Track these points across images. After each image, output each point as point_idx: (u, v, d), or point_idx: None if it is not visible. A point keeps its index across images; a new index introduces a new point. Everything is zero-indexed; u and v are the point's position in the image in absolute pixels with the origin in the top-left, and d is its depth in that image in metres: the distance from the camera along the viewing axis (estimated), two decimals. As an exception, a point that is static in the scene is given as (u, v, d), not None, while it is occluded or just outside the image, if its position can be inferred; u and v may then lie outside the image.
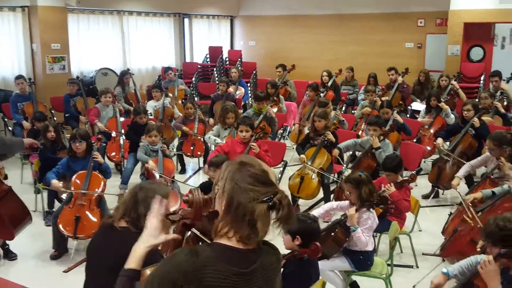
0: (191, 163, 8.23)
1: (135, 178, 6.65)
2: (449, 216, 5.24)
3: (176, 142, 8.41)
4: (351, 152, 7.01)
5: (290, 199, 1.89)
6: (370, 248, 4.00)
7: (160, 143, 6.20)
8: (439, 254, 4.78)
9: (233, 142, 5.85)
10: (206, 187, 4.99)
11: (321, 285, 3.36)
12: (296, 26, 13.57)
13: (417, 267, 4.92)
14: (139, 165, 6.69)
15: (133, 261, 1.89)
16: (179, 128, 7.94)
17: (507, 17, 10.35)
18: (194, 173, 8.04)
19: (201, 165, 8.15)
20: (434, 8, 11.54)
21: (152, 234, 1.91)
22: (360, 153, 6.49)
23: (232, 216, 1.76)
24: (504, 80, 8.64)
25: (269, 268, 1.83)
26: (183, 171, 7.94)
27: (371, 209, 3.99)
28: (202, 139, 7.77)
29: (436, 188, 6.68)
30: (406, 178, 4.89)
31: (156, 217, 1.93)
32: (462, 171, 5.47)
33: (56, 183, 5.07)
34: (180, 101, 10.33)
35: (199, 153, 7.81)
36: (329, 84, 9.64)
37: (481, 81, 10.51)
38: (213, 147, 7.51)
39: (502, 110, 7.72)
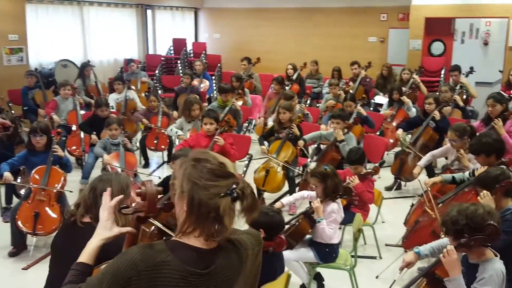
0: (155, 157, 8.12)
1: (97, 173, 6.50)
2: (411, 207, 5.32)
3: (139, 135, 8.28)
4: (316, 145, 7.04)
5: (256, 192, 1.87)
6: (336, 241, 4.02)
7: (122, 137, 6.08)
8: (401, 245, 4.85)
9: (197, 135, 5.78)
10: (168, 182, 4.91)
11: (286, 278, 3.36)
12: (261, 19, 13.54)
13: (381, 258, 4.99)
14: (100, 159, 6.54)
15: (85, 255, 1.85)
16: (139, 120, 7.81)
17: (467, 12, 10.60)
18: (158, 167, 7.93)
19: (165, 158, 8.06)
20: (396, 3, 11.71)
21: (104, 227, 1.87)
22: (324, 146, 6.53)
23: (196, 215, 1.69)
24: (463, 74, 8.82)
25: (228, 268, 1.77)
26: (146, 165, 7.83)
27: (336, 201, 4.01)
28: (165, 133, 7.67)
29: (398, 180, 6.79)
30: (370, 170, 4.94)
31: (107, 210, 1.90)
32: (423, 160, 5.57)
33: (8, 175, 4.92)
34: (143, 94, 10.19)
35: (162, 146, 7.73)
36: (294, 77, 9.66)
37: (442, 75, 10.72)
38: (177, 141, 7.44)
39: (461, 104, 7.88)
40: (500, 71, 10.53)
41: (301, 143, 6.10)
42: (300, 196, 4.55)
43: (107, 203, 1.92)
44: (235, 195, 1.69)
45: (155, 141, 7.61)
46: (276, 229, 3.39)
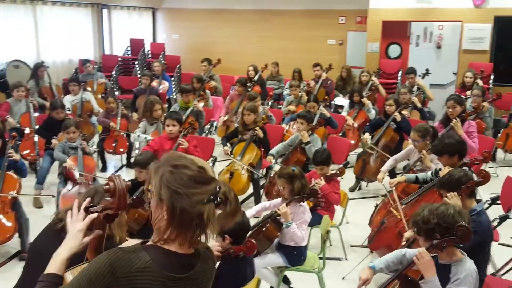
0: (113, 160, 7.90)
1: (53, 178, 6.29)
2: (375, 207, 5.36)
3: (96, 138, 8.04)
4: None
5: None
6: (304, 243, 3.99)
7: (79, 140, 5.87)
8: (367, 246, 4.86)
9: (160, 138, 5.65)
10: (133, 185, 4.77)
11: (256, 283, 3.30)
12: (221, 20, 13.45)
13: (346, 259, 5.00)
14: (56, 163, 6.31)
15: (53, 266, 1.77)
16: (104, 124, 7.57)
17: (422, 16, 10.84)
18: (117, 171, 7.73)
19: (124, 162, 7.86)
20: (354, 6, 11.85)
21: (76, 237, 1.80)
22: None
23: (178, 223, 1.64)
24: (419, 76, 9.00)
25: (204, 273, 1.77)
26: (104, 169, 7.59)
27: (302, 203, 3.98)
28: (124, 135, 7.48)
29: (360, 181, 6.84)
30: (335, 171, 4.94)
31: (80, 221, 1.83)
32: (386, 166, 5.61)
33: None
34: (99, 95, 9.92)
35: (121, 149, 7.52)
36: (255, 78, 9.61)
37: (399, 77, 10.91)
38: (137, 144, 7.26)
39: (419, 105, 8.02)
40: (454, 73, 10.82)
41: (270, 158, 6.00)
42: (262, 208, 4.41)
43: (80, 214, 1.85)
44: (218, 200, 1.66)
45: (114, 144, 7.41)
46: (242, 233, 3.34)
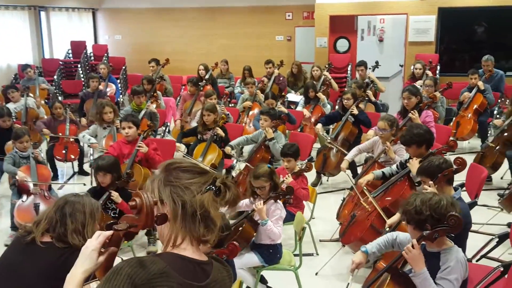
0: (65, 167, 7.55)
1: (3, 189, 5.92)
2: (342, 201, 5.37)
3: (44, 146, 7.65)
4: (240, 146, 6.92)
5: None
6: (280, 240, 3.91)
7: (31, 149, 5.56)
8: (339, 240, 4.84)
9: (119, 143, 5.43)
10: (92, 194, 4.54)
11: (238, 285, 3.21)
12: (165, 19, 13.17)
13: (317, 254, 4.97)
14: (5, 174, 5.94)
15: None
16: (40, 129, 7.19)
17: (368, 10, 11.00)
18: (69, 179, 7.39)
19: (76, 169, 7.53)
20: (300, 1, 11.89)
21: (91, 258, 1.65)
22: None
23: (182, 220, 1.60)
24: (369, 69, 9.13)
25: (222, 282, 1.71)
26: (55, 177, 7.21)
27: (278, 200, 3.90)
28: (75, 142, 7.16)
29: (321, 175, 6.84)
30: (303, 167, 4.90)
31: (96, 240, 1.68)
32: (350, 154, 5.63)
33: None
34: (43, 101, 9.48)
35: (72, 156, 7.19)
36: (206, 77, 9.46)
37: (348, 71, 11.04)
38: (91, 150, 6.98)
39: (373, 98, 8.14)
40: (400, 65, 11.05)
41: (228, 149, 5.93)
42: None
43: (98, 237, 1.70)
44: (216, 188, 1.63)
45: (64, 151, 7.07)
46: (225, 235, 3.24)
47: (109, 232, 1.66)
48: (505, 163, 6.34)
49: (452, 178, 3.45)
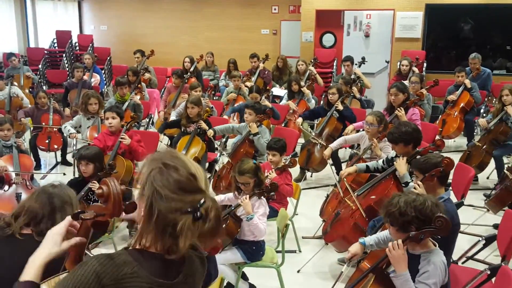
0: (48, 157, 7.45)
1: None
2: (326, 198, 5.34)
3: (28, 135, 7.55)
4: (223, 139, 6.88)
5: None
6: (264, 236, 3.89)
7: (14, 138, 5.48)
8: (321, 237, 4.82)
9: (103, 135, 5.37)
10: (74, 184, 4.49)
11: (219, 282, 3.17)
12: (150, 10, 13.05)
13: (300, 251, 4.95)
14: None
15: (30, 272, 1.60)
16: (19, 117, 7.10)
17: (354, 5, 10.99)
18: (52, 168, 7.30)
19: (59, 159, 7.45)
20: (287, -5, 11.85)
21: (54, 242, 1.63)
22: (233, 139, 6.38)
23: (153, 225, 1.53)
24: (356, 64, 9.12)
25: (194, 275, 1.67)
26: (38, 167, 7.13)
27: (263, 197, 3.87)
28: (58, 131, 7.08)
29: (305, 171, 6.83)
30: (287, 162, 4.86)
31: (61, 223, 1.67)
32: (335, 143, 5.61)
33: None
34: (27, 90, 9.37)
35: (55, 146, 7.14)
36: (191, 70, 9.38)
37: (334, 66, 11.02)
38: (74, 141, 6.91)
39: (358, 95, 8.14)
40: (386, 62, 11.05)
41: (210, 132, 5.90)
42: (218, 201, 4.29)
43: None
44: (197, 215, 1.51)
45: (47, 141, 7.00)
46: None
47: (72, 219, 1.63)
48: (492, 163, 6.34)
49: (444, 177, 3.41)
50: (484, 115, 8.22)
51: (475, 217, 5.16)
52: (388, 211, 2.69)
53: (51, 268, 1.67)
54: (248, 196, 3.78)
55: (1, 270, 2.33)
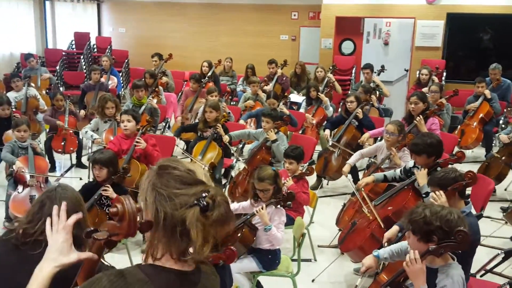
0: (63, 159, 7.45)
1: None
2: (342, 207, 5.26)
3: (43, 136, 7.56)
4: (240, 145, 6.83)
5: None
6: (279, 246, 3.82)
7: (30, 139, 5.48)
8: (337, 246, 4.74)
9: (118, 139, 5.33)
10: (89, 189, 4.47)
11: (234, 291, 3.12)
12: (169, 13, 13.08)
13: (315, 260, 4.87)
14: (3, 164, 5.87)
15: (36, 284, 1.53)
16: (51, 123, 7.11)
17: (375, 12, 10.89)
18: (66, 171, 7.30)
19: (74, 161, 7.45)
20: (307, 1, 11.80)
21: (60, 251, 1.56)
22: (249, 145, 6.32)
23: (162, 231, 1.47)
24: (375, 73, 9.02)
25: (209, 287, 1.59)
26: (52, 169, 7.12)
27: (280, 206, 3.81)
28: (74, 134, 7.08)
29: (321, 179, 6.75)
30: (304, 170, 4.80)
31: (64, 229, 1.59)
32: (353, 159, 5.52)
33: None
34: (44, 91, 9.40)
35: (71, 148, 7.12)
36: (209, 74, 9.35)
37: (353, 74, 10.93)
38: (89, 143, 6.91)
39: (376, 104, 8.04)
40: (406, 70, 10.94)
41: (226, 138, 5.85)
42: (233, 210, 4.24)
43: (62, 221, 1.61)
44: (204, 204, 1.45)
45: (63, 143, 6.98)
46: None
47: (73, 219, 1.56)
48: (510, 175, 6.24)
49: (464, 191, 3.33)
50: (503, 126, 8.10)
51: (493, 229, 5.07)
52: (412, 218, 2.63)
53: (62, 279, 1.60)
54: (264, 205, 3.71)
55: (13, 280, 2.28)
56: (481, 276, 4.00)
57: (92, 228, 1.50)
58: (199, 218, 1.45)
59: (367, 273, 3.05)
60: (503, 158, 6.19)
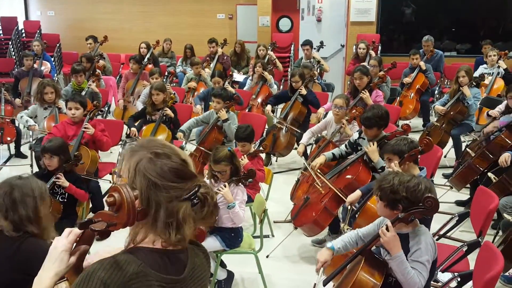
0: (1, 150, 7.11)
1: None
2: (296, 182, 5.35)
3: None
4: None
5: None
6: (241, 224, 3.85)
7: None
8: (290, 221, 4.82)
9: (63, 124, 5.14)
10: (39, 178, 4.28)
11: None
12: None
13: (273, 236, 4.94)
14: None
15: None
16: None
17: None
18: (6, 161, 6.98)
19: (13, 152, 7.13)
20: (242, -21, 11.70)
21: (61, 260, 1.50)
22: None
23: (152, 219, 1.45)
24: (314, 49, 9.14)
25: (201, 268, 1.61)
26: (-10, 160, 6.82)
27: (241, 184, 3.83)
28: (11, 123, 6.76)
29: (271, 156, 6.82)
30: (257, 147, 4.83)
31: (66, 239, 1.53)
32: (305, 138, 5.62)
33: None
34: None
35: (9, 138, 6.79)
36: (148, 56, 9.15)
37: (291, 51, 11.01)
38: (29, 132, 6.62)
39: (317, 80, 8.17)
40: (342, 46, 11.15)
41: (180, 135, 5.75)
42: None
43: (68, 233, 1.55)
44: (196, 200, 1.48)
45: (0, 133, 6.66)
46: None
47: (79, 231, 1.51)
48: (449, 142, 6.54)
49: (417, 158, 3.48)
50: (438, 96, 8.47)
51: (439, 195, 5.28)
52: (380, 185, 2.70)
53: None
54: (226, 184, 3.72)
55: None
56: (436, 240, 4.20)
57: (87, 219, 1.46)
58: (190, 212, 1.48)
59: (323, 268, 2.99)
60: (443, 125, 6.48)
